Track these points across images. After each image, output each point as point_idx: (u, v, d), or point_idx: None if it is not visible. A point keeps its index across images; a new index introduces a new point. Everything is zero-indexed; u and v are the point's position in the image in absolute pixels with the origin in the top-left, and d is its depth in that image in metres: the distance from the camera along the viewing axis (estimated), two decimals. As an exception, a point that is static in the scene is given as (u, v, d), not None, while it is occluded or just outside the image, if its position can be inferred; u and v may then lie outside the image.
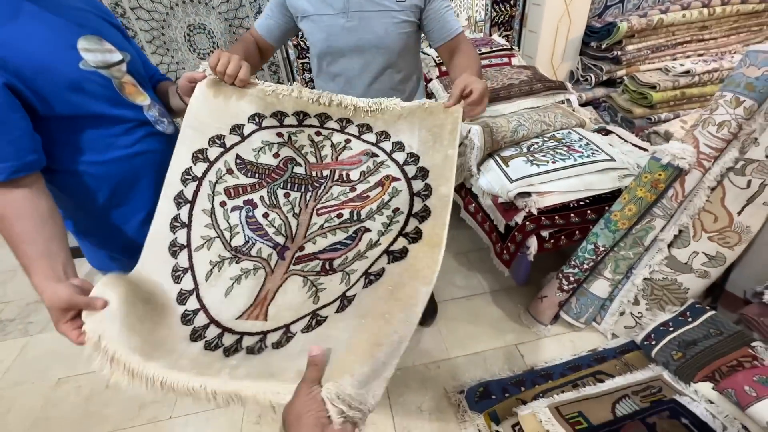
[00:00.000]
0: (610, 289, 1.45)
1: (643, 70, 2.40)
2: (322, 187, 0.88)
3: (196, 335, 0.68)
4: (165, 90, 1.03)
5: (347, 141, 0.93)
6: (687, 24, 2.36)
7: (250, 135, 0.90)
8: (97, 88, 0.78)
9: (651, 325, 1.36)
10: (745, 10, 2.34)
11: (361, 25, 1.04)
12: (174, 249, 0.78)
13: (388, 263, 0.68)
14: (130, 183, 0.88)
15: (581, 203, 1.43)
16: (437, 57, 2.14)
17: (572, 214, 1.42)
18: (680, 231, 1.31)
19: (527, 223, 1.40)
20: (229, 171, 0.86)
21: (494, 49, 2.26)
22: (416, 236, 0.71)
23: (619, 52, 2.37)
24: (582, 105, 2.29)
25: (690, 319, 1.31)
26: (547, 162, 1.49)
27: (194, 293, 0.75)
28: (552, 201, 1.41)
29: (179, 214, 0.80)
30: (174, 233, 0.78)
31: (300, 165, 0.91)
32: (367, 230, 0.78)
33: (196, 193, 0.82)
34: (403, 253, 0.69)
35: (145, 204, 0.89)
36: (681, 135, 1.73)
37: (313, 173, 0.90)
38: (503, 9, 2.70)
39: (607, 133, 1.86)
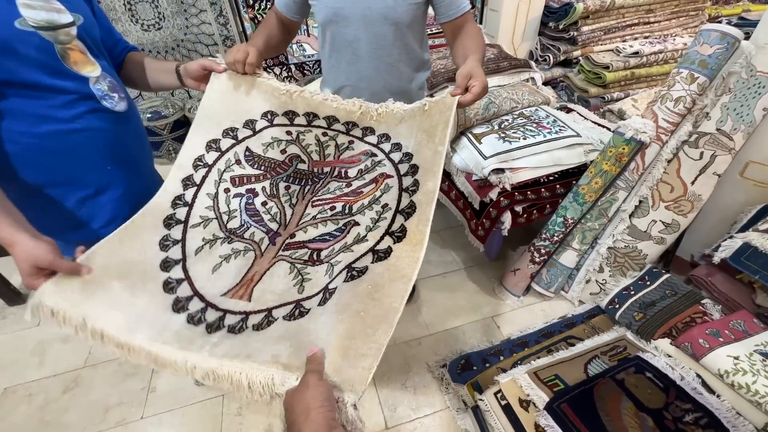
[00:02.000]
0: (578, 259, 1.54)
1: (596, 51, 2.51)
2: (321, 182, 0.92)
3: (179, 306, 0.68)
4: (139, 62, 0.95)
5: (350, 142, 0.96)
6: (636, 7, 2.49)
7: (261, 130, 0.94)
8: (33, 51, 0.68)
9: (614, 291, 1.46)
10: (687, -5, 2.50)
11: None
12: (169, 222, 0.80)
13: (372, 262, 0.70)
14: (68, 160, 0.79)
15: (551, 178, 1.49)
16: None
17: (543, 189, 1.47)
18: (640, 201, 1.41)
19: (501, 199, 1.43)
20: (238, 162, 0.91)
21: (459, 26, 2.25)
22: (401, 234, 0.73)
23: (575, 33, 2.46)
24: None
25: (648, 283, 1.42)
26: (519, 138, 1.52)
27: (180, 263, 0.75)
28: (524, 177, 1.46)
29: (184, 194, 0.84)
30: (174, 209, 0.81)
31: (304, 162, 0.94)
32: (356, 224, 0.81)
33: (204, 178, 0.87)
34: (387, 253, 0.71)
35: (86, 183, 0.82)
36: (633, 113, 1.84)
37: (315, 169, 0.94)
38: (466, -14, 2.68)
39: (569, 111, 1.94)
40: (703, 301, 1.28)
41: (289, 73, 2.79)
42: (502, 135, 1.56)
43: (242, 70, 0.92)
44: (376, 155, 0.92)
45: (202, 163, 0.88)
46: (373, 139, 0.95)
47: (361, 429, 0.51)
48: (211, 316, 0.68)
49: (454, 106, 0.86)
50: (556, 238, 1.50)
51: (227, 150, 0.91)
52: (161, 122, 2.52)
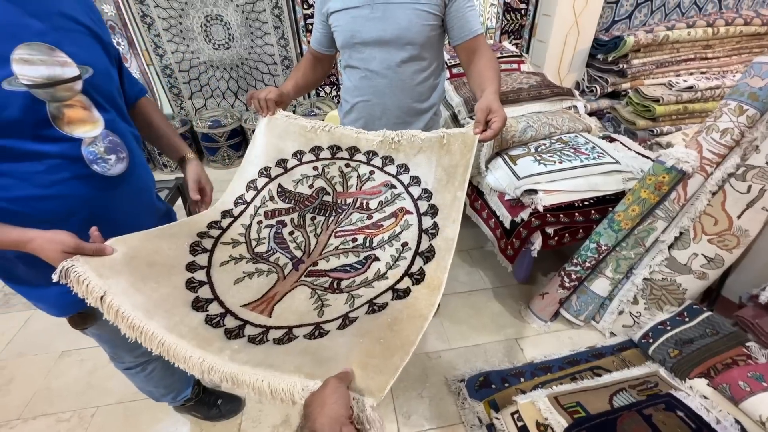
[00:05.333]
0: (611, 288, 1.49)
1: (647, 84, 2.47)
2: (344, 213, 0.97)
3: (198, 305, 0.71)
4: (146, 116, 0.92)
5: (371, 172, 1.01)
6: (691, 42, 2.44)
7: (292, 168, 1.04)
8: (17, 114, 0.60)
9: (649, 324, 1.39)
10: (748, 32, 2.42)
11: (384, 16, 1.07)
12: (202, 234, 0.87)
13: (392, 299, 0.74)
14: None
15: (586, 203, 1.47)
16: (449, 59, 2.19)
17: (577, 213, 1.46)
18: (681, 233, 1.36)
19: (533, 219, 1.44)
20: (271, 198, 1.00)
21: (504, 54, 2.31)
22: (420, 278, 0.77)
23: (625, 66, 2.44)
24: (588, 115, 2.35)
25: (687, 319, 1.35)
26: (554, 162, 1.53)
27: (205, 269, 0.80)
28: (558, 199, 1.46)
29: (221, 221, 0.92)
30: (209, 230, 0.89)
31: (329, 194, 1.01)
32: (377, 259, 0.85)
33: (241, 213, 0.96)
34: (406, 293, 0.75)
35: None
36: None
37: (339, 201, 1.00)
38: (514, 18, 2.77)
39: (612, 140, 1.91)
40: (747, 344, 1.20)
41: (338, 92, 2.98)
42: (538, 158, 1.57)
43: (264, 106, 1.06)
44: (395, 187, 0.97)
45: (241, 201, 0.98)
46: (392, 169, 1.00)
47: (381, 429, 0.52)
48: (231, 322, 0.69)
49: (475, 146, 0.89)
50: (587, 264, 1.47)
51: (262, 188, 1.00)
52: (219, 130, 2.76)
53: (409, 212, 0.92)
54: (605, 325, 1.53)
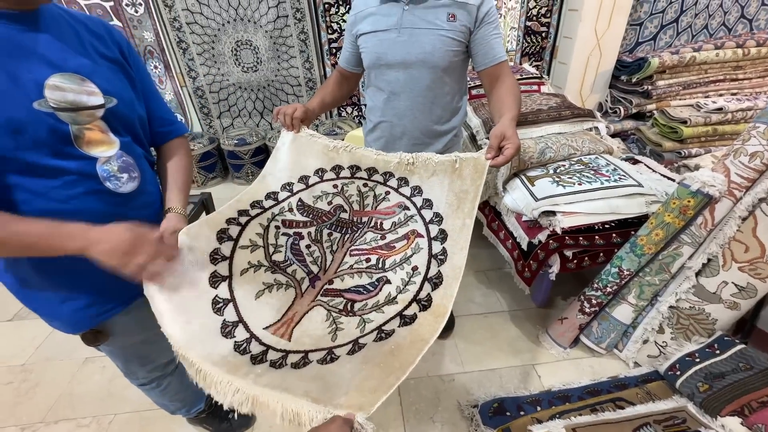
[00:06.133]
0: (634, 315, 1.42)
1: (673, 106, 2.41)
2: (359, 231, 1.01)
3: (226, 330, 0.77)
4: (165, 162, 0.93)
5: (387, 193, 1.05)
6: (720, 63, 2.38)
7: (313, 185, 1.08)
8: (43, 133, 0.66)
9: (676, 355, 1.32)
10: (781, 52, 2.34)
11: (410, 41, 1.11)
12: (222, 236, 0.89)
13: (399, 326, 0.78)
14: None
15: (607, 226, 1.44)
16: (468, 80, 2.22)
17: (597, 236, 1.42)
18: (709, 260, 1.29)
19: (551, 241, 1.41)
20: (290, 210, 1.03)
21: (524, 76, 2.33)
22: (427, 304, 0.81)
23: (650, 87, 2.40)
24: (611, 136, 2.31)
25: (718, 352, 1.27)
26: (573, 183, 1.51)
27: (227, 281, 0.83)
28: (577, 221, 1.43)
29: (239, 218, 0.94)
30: (228, 225, 0.91)
31: (346, 211, 1.05)
32: (388, 282, 0.88)
33: (258, 215, 0.99)
34: (412, 319, 0.78)
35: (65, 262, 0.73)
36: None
37: (355, 219, 1.03)
38: (535, 40, 2.79)
39: (635, 162, 1.87)
40: (785, 381, 1.11)
41: (360, 112, 3.05)
42: (557, 179, 1.55)
43: (289, 122, 1.10)
44: (408, 209, 1.00)
45: (258, 206, 1.01)
46: (406, 190, 1.03)
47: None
48: (255, 348, 0.75)
49: (485, 171, 0.92)
50: (609, 289, 1.41)
51: (283, 200, 1.04)
52: (244, 148, 2.87)
53: (420, 235, 0.95)
54: (629, 354, 1.46)
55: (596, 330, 1.50)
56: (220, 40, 2.69)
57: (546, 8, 2.64)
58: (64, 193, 0.71)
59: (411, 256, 0.92)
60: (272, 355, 0.74)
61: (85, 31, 0.75)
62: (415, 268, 0.89)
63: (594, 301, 1.45)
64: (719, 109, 2.22)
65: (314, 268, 0.94)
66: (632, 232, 1.40)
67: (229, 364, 0.70)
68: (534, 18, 2.68)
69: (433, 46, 1.09)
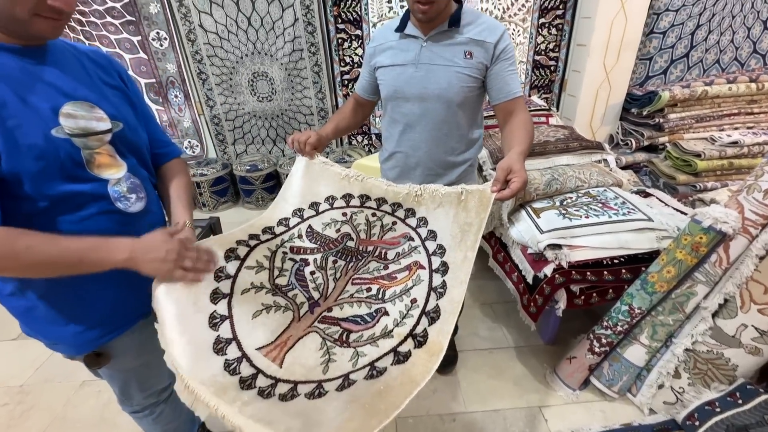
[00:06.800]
0: (647, 357, 1.34)
1: (687, 138, 2.37)
2: (363, 260, 1.01)
3: (219, 347, 0.76)
4: (166, 183, 0.95)
5: (394, 223, 1.05)
6: (734, 97, 2.35)
7: (323, 212, 1.10)
8: (60, 157, 0.69)
9: (694, 403, 1.23)
10: (797, 87, 2.30)
11: (427, 76, 1.13)
12: (229, 255, 0.90)
13: (392, 364, 0.76)
14: None
15: (616, 261, 1.39)
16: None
17: (605, 272, 1.37)
18: (726, 300, 1.22)
19: (556, 275, 1.36)
20: (299, 236, 1.05)
21: (532, 108, 2.34)
22: (422, 340, 0.79)
23: (661, 120, 2.38)
24: (622, 168, 2.27)
25: (740, 401, 1.17)
26: (580, 216, 1.47)
27: (227, 299, 0.83)
28: (584, 256, 1.38)
29: (249, 242, 0.96)
30: (237, 245, 0.93)
31: (353, 240, 1.06)
32: (386, 313, 0.88)
33: (268, 240, 1.01)
34: (406, 357, 0.77)
35: (78, 283, 0.75)
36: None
37: (360, 247, 1.04)
38: (544, 74, 2.82)
39: (647, 195, 1.83)
40: (816, 438, 1.01)
41: (370, 141, 3.11)
42: (563, 211, 1.52)
43: (302, 148, 1.12)
44: (413, 239, 1.00)
45: (270, 232, 1.03)
46: (413, 221, 1.03)
47: None
48: (246, 370, 0.74)
49: (490, 204, 0.91)
50: (619, 328, 1.34)
51: (294, 227, 1.06)
52: (256, 174, 2.93)
53: (422, 267, 0.94)
54: (643, 399, 1.37)
55: (607, 371, 1.41)
56: (238, 72, 2.81)
57: (554, 43, 2.69)
58: (77, 215, 0.74)
59: (411, 287, 0.91)
60: (261, 382, 0.73)
61: (89, 62, 0.79)
62: (414, 301, 0.88)
63: (604, 341, 1.38)
64: (734, 143, 2.17)
65: (315, 294, 0.93)
66: (643, 269, 1.34)
67: (217, 384, 0.69)
68: (542, 52, 2.73)
69: (449, 83, 1.11)
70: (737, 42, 2.55)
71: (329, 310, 0.90)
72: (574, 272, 1.35)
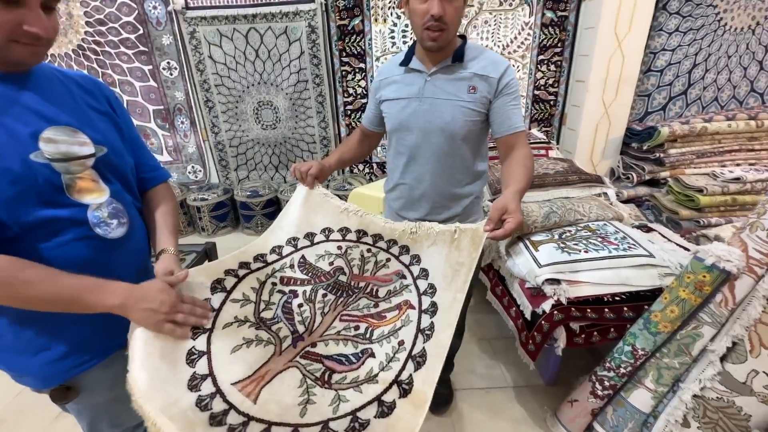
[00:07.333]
0: (654, 402, 1.26)
1: (688, 174, 2.36)
2: (354, 296, 0.99)
3: (193, 383, 0.72)
4: (152, 209, 0.93)
5: (388, 260, 1.04)
6: (734, 134, 2.36)
7: (318, 243, 1.08)
8: (38, 182, 0.68)
9: (705, 456, 1.14)
10: (797, 125, 2.31)
11: (431, 110, 1.14)
12: (216, 287, 0.87)
13: (375, 417, 0.73)
14: None
15: (617, 298, 1.34)
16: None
17: (606, 309, 1.32)
18: (734, 343, 1.16)
19: (555, 311, 1.31)
20: (291, 266, 1.02)
21: (531, 141, 2.36)
22: (408, 387, 0.77)
23: (662, 155, 2.38)
24: (623, 202, 2.25)
25: (755, 456, 1.09)
26: (579, 251, 1.44)
27: (207, 333, 0.79)
28: (584, 292, 1.34)
29: (238, 271, 0.93)
30: (225, 276, 0.90)
31: (345, 274, 1.03)
32: (372, 355, 0.85)
33: (259, 269, 0.97)
34: (390, 408, 0.74)
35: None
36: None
37: (352, 283, 1.02)
38: (543, 108, 2.86)
39: (649, 230, 1.79)
40: (842, 502, 0.92)
41: (371, 170, 3.13)
42: (562, 245, 1.49)
43: (303, 178, 1.12)
44: (405, 277, 0.99)
45: (261, 260, 1.00)
46: (406, 258, 1.02)
47: None
48: (217, 406, 0.70)
49: (482, 244, 0.90)
50: (623, 370, 1.27)
51: (287, 255, 1.03)
52: (256, 200, 2.94)
53: (412, 307, 0.92)
54: (650, 449, 1.27)
55: (611, 417, 1.33)
56: (244, 101, 2.88)
57: (553, 79, 2.74)
58: (55, 240, 0.72)
59: (400, 328, 0.88)
60: (232, 419, 0.69)
61: (75, 87, 0.80)
62: (401, 343, 0.85)
63: (607, 383, 1.30)
64: (737, 179, 2.15)
65: (300, 328, 0.90)
66: (646, 307, 1.29)
67: (185, 420, 0.65)
68: (542, 87, 2.78)
69: (453, 116, 1.12)
70: (734, 81, 2.59)
71: (313, 345, 0.86)
72: (573, 309, 1.30)
